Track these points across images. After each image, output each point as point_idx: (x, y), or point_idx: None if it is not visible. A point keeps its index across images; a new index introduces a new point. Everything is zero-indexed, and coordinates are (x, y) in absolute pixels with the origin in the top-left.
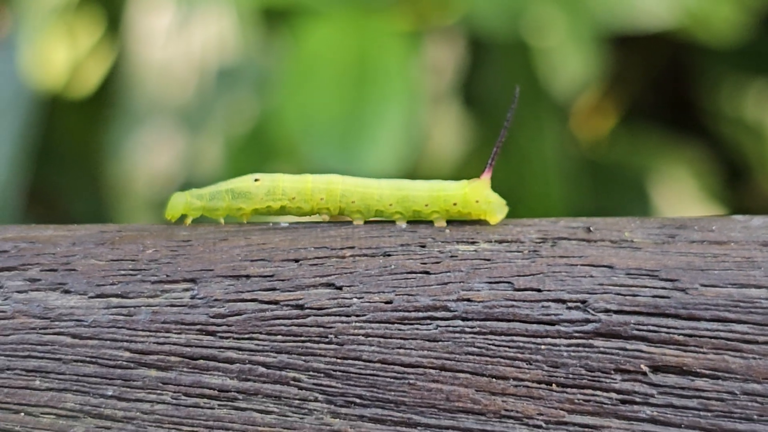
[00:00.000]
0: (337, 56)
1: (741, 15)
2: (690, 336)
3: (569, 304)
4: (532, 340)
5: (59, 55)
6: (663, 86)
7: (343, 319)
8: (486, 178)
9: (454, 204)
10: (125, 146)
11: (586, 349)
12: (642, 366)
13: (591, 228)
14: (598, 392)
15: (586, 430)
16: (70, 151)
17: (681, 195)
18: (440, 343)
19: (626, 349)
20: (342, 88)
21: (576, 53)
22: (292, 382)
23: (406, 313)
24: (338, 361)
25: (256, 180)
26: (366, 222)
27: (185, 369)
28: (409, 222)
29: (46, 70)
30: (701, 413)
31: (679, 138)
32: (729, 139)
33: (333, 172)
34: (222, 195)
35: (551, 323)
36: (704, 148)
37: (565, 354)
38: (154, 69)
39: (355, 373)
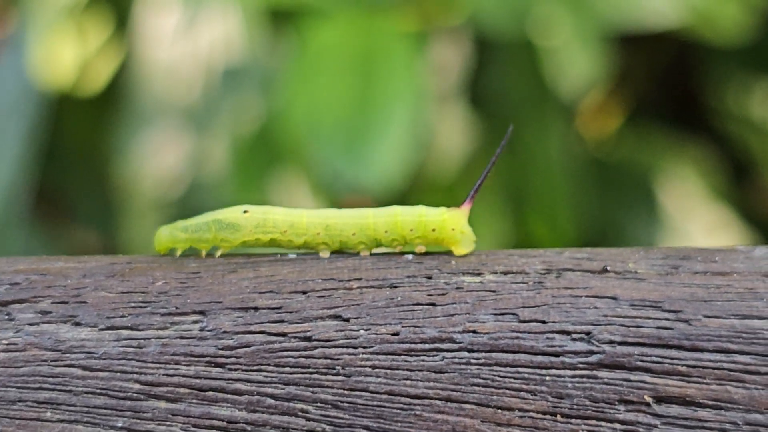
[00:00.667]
0: (343, 56)
1: (747, 14)
2: (693, 367)
3: (573, 336)
4: (537, 371)
5: (67, 55)
6: (669, 85)
7: (351, 350)
8: (466, 208)
9: (433, 230)
10: (132, 146)
11: (591, 380)
12: (646, 397)
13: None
14: (602, 423)
15: None
16: (77, 151)
17: (687, 194)
18: (446, 374)
19: (630, 380)
20: (348, 89)
21: (582, 52)
22: (300, 414)
23: (413, 345)
24: (345, 392)
25: (245, 212)
26: (372, 254)
27: (194, 401)
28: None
29: (53, 69)
30: None
31: (684, 136)
32: (735, 138)
33: (339, 173)
34: (209, 226)
35: (556, 354)
36: (710, 147)
37: (569, 385)
38: (161, 69)
39: (362, 404)
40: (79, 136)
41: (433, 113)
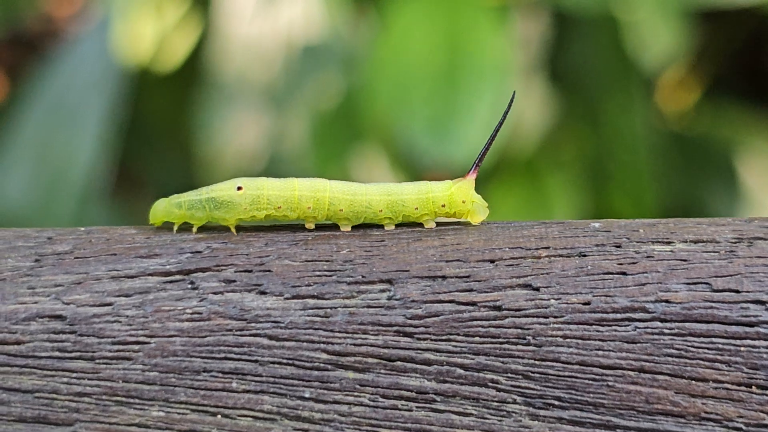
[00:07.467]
0: (428, 32)
1: None
2: None
3: None
4: (732, 341)
5: (147, 30)
6: (747, 59)
7: (541, 320)
8: (471, 178)
9: (443, 205)
10: (212, 122)
11: None
12: None
13: None
14: None
15: None
16: (156, 126)
17: (766, 168)
18: (639, 344)
19: None
20: (433, 65)
21: (663, 27)
22: (490, 384)
23: (604, 315)
24: (536, 362)
25: (239, 188)
26: (559, 222)
27: (383, 371)
28: (602, 221)
29: (134, 44)
30: None
31: (763, 111)
32: None
33: (425, 149)
34: (202, 204)
35: (750, 325)
36: None
37: (764, 356)
38: (241, 45)
39: (554, 375)
40: (158, 112)
41: (516, 88)
